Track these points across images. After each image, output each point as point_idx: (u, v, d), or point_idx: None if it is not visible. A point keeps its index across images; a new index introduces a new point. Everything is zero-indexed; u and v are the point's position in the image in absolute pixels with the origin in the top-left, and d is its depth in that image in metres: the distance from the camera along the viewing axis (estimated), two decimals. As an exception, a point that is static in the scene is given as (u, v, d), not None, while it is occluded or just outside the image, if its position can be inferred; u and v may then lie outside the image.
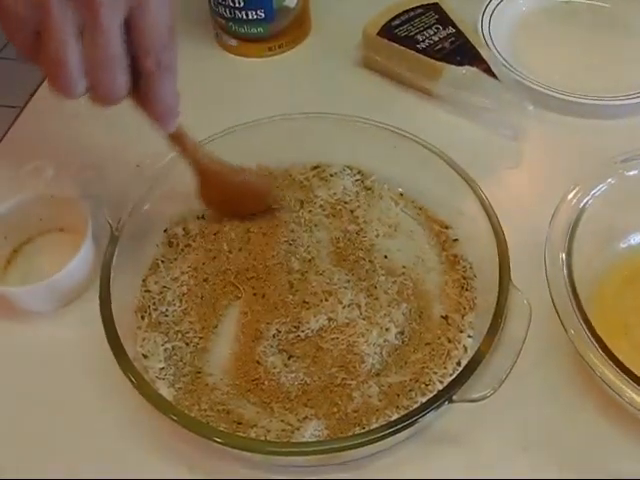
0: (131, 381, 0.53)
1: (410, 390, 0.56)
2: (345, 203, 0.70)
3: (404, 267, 0.65)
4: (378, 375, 0.58)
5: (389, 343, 0.59)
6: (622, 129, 0.79)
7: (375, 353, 0.59)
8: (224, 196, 0.67)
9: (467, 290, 0.63)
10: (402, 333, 0.60)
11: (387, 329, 0.60)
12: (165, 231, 0.68)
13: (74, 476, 0.56)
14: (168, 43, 0.53)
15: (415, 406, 0.52)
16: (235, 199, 0.67)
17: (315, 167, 0.72)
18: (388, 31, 0.85)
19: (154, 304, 0.63)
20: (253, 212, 0.68)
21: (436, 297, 0.63)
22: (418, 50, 0.83)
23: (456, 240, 0.66)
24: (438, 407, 0.51)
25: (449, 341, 0.59)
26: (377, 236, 0.67)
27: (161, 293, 0.64)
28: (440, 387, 0.55)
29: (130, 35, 0.51)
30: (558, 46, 0.90)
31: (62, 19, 0.48)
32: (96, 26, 0.49)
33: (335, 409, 0.56)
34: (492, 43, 0.85)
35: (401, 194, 0.71)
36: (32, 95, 0.88)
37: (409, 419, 0.50)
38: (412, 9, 0.88)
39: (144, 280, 0.65)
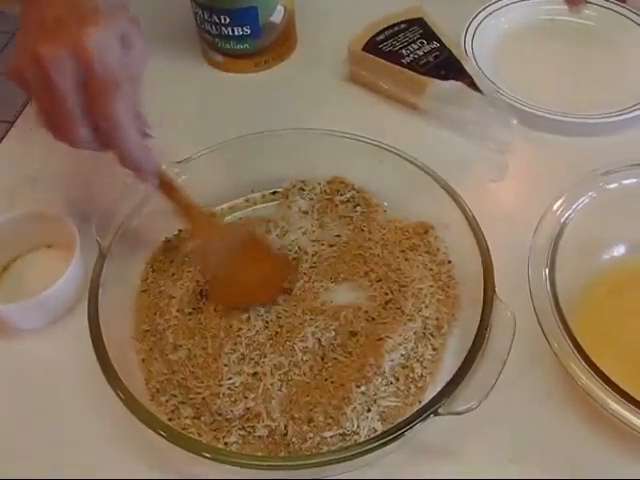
0: (119, 397, 0.54)
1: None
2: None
3: (421, 288, 0.64)
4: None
5: (393, 362, 0.59)
6: (607, 145, 0.79)
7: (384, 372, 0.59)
8: (230, 266, 0.65)
9: (453, 304, 0.64)
10: (402, 355, 0.60)
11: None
12: (157, 246, 0.69)
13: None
14: (116, 102, 0.54)
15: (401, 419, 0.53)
16: (244, 271, 0.65)
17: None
18: (373, 46, 0.86)
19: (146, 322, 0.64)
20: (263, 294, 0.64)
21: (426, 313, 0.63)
22: (403, 65, 0.84)
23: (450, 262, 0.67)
24: (424, 420, 0.51)
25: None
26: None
27: (154, 313, 0.64)
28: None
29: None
30: (541, 64, 0.90)
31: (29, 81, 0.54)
32: (50, 85, 0.52)
33: (330, 421, 0.56)
34: (475, 61, 0.86)
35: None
36: (22, 110, 0.88)
37: (395, 432, 0.51)
38: (396, 24, 0.89)
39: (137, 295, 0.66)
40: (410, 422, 0.51)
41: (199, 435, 0.56)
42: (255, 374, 0.58)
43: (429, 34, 0.88)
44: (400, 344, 0.59)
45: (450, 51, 0.86)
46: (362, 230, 0.69)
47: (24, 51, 0.53)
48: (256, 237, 0.67)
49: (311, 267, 0.67)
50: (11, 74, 0.55)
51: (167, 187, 0.63)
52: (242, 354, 0.60)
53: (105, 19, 0.53)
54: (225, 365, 0.59)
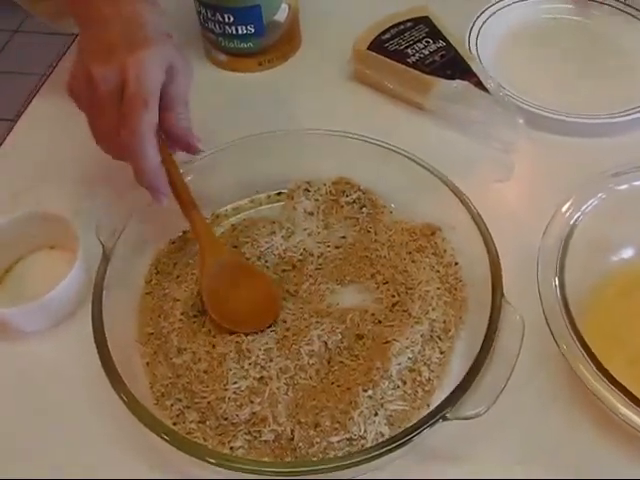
0: (123, 400, 0.53)
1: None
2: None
3: (428, 290, 0.64)
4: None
5: (401, 366, 0.59)
6: (613, 146, 0.78)
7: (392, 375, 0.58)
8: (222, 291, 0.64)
9: (460, 306, 0.63)
10: (410, 358, 0.59)
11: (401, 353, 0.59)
12: (161, 248, 0.69)
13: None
14: (140, 119, 0.59)
15: (409, 424, 0.52)
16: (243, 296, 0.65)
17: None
18: (378, 45, 0.86)
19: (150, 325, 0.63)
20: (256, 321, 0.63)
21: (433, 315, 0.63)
22: (408, 64, 0.83)
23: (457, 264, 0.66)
24: (432, 425, 0.51)
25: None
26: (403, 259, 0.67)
27: (159, 316, 0.64)
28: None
29: None
30: (544, 63, 0.89)
31: (81, 95, 0.62)
32: (97, 99, 0.59)
33: (336, 425, 0.55)
34: (479, 60, 0.85)
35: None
36: (25, 108, 0.88)
37: (402, 437, 0.50)
38: (402, 22, 0.88)
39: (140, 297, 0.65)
40: (418, 427, 0.51)
41: (204, 440, 0.56)
42: (261, 378, 0.58)
43: (435, 33, 0.87)
44: (407, 347, 0.59)
45: (456, 50, 0.85)
46: (368, 232, 0.69)
47: (78, 70, 0.61)
48: (250, 269, 0.66)
49: (317, 269, 0.66)
50: (67, 88, 0.62)
51: (186, 204, 0.64)
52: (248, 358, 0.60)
53: (155, 45, 0.60)
54: (230, 369, 0.58)
